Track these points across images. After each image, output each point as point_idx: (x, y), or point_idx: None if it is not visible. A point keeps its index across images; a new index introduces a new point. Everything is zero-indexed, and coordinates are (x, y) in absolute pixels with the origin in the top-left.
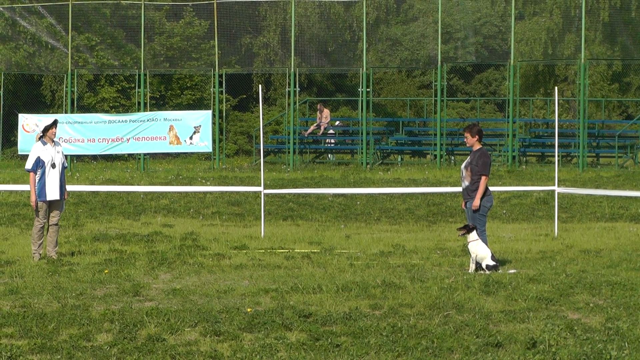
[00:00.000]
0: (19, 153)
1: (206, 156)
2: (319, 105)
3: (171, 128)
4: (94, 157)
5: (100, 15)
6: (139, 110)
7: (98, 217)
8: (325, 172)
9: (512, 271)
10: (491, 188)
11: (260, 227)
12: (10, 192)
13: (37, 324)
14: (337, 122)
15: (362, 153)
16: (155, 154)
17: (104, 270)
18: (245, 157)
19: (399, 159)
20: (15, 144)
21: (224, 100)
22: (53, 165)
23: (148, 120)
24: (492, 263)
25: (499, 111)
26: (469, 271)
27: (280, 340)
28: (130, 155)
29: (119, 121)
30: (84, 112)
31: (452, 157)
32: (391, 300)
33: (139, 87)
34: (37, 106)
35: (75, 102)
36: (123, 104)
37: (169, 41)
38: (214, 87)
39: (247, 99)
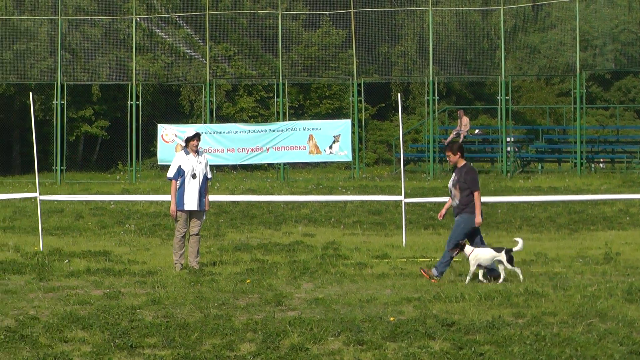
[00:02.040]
0: (159, 163)
1: (346, 165)
2: (459, 112)
3: (310, 137)
4: (234, 167)
5: (237, 25)
6: (277, 119)
7: (239, 227)
8: None
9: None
10: (631, 196)
11: (401, 236)
12: (151, 202)
13: (180, 334)
14: (476, 131)
15: (502, 161)
16: (295, 163)
17: (246, 280)
18: (384, 166)
19: (540, 167)
20: (154, 154)
21: (363, 109)
22: (193, 176)
23: (287, 130)
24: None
25: (639, 118)
26: (499, 281)
27: (423, 349)
28: (270, 164)
29: (258, 131)
30: (222, 122)
31: (593, 165)
32: (534, 308)
33: (278, 97)
34: (176, 116)
35: (214, 112)
36: (262, 113)
37: (306, 50)
38: (353, 96)
39: (385, 107)
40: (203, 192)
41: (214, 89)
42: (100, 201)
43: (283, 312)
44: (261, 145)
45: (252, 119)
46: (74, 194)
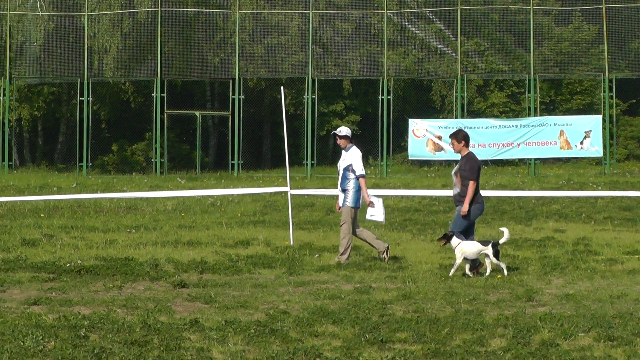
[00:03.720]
0: (409, 158)
1: (597, 161)
2: None
3: (561, 133)
4: (485, 162)
5: (488, 20)
6: (528, 115)
7: (489, 222)
8: None
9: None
10: None
11: None
12: (401, 197)
13: (430, 328)
14: None
15: None
16: (546, 158)
17: (497, 276)
18: (635, 162)
19: None
20: (405, 149)
21: (614, 105)
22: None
23: (538, 125)
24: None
25: None
26: (486, 274)
27: None
28: (520, 160)
29: (509, 126)
30: (474, 117)
31: None
32: None
33: (529, 92)
34: (427, 111)
35: (465, 107)
36: (513, 109)
37: (557, 46)
38: (604, 91)
39: (637, 103)
40: (343, 187)
41: (465, 84)
42: None
43: (533, 308)
44: (512, 140)
45: (503, 114)
46: (325, 188)
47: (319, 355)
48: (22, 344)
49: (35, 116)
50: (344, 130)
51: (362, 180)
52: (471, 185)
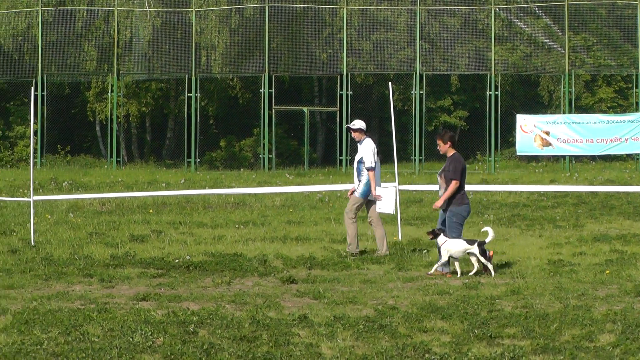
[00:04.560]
0: (517, 154)
1: None
2: None
3: None
4: (592, 158)
5: (596, 15)
6: (636, 110)
7: (598, 218)
8: None
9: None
10: None
11: None
12: (509, 192)
13: (539, 324)
14: None
15: None
16: None
17: (605, 271)
18: None
19: None
20: (513, 144)
21: None
22: None
23: None
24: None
25: None
26: (472, 272)
27: None
28: (628, 155)
29: (617, 122)
30: (581, 113)
31: None
32: None
33: (637, 88)
34: (534, 107)
35: (573, 103)
36: (620, 104)
37: None
38: None
39: None
40: (358, 178)
41: (572, 79)
42: None
43: None
44: (620, 135)
45: (611, 110)
46: (433, 184)
47: (427, 350)
48: (131, 339)
49: (143, 112)
50: (357, 124)
51: (371, 173)
52: (453, 184)
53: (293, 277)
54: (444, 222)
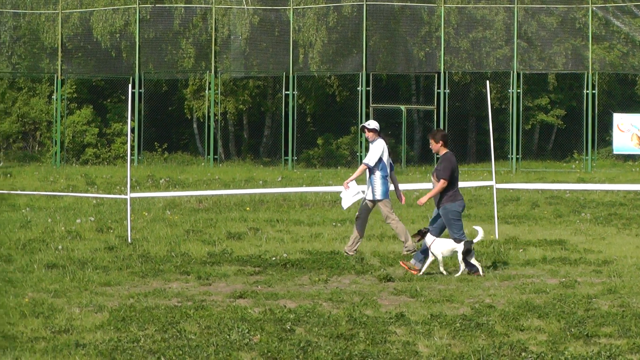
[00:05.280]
0: (614, 152)
1: None
2: None
3: None
4: None
5: None
6: None
7: None
8: None
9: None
10: None
11: None
12: (606, 191)
13: (635, 323)
14: None
15: None
16: None
17: None
18: None
19: None
20: (609, 143)
21: None
22: None
23: None
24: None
25: None
26: (458, 273)
27: None
28: None
29: None
30: None
31: None
32: None
33: None
34: (632, 106)
35: None
36: None
37: None
38: None
39: None
40: (367, 180)
41: None
42: (556, 190)
43: None
44: None
45: None
46: (529, 182)
47: (524, 349)
48: (227, 337)
49: (240, 110)
50: (372, 124)
51: (362, 166)
52: (440, 183)
53: (390, 275)
54: (434, 220)
